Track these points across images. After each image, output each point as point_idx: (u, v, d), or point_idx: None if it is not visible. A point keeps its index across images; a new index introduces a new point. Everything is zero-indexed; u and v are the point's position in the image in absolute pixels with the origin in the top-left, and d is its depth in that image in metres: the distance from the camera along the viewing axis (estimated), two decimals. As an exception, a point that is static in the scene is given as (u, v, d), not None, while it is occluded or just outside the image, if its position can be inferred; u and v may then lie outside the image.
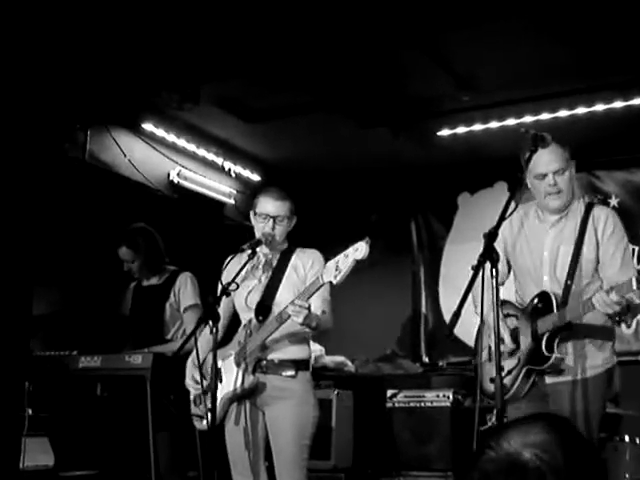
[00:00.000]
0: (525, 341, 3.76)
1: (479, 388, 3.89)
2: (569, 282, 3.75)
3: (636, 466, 4.95)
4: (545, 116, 6.53)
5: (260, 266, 4.20)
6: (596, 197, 7.01)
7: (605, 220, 3.81)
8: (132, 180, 6.64)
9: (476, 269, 3.14)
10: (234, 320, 4.29)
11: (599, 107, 6.41)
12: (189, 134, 7.04)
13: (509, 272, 4.07)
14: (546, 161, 3.71)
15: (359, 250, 3.62)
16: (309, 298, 3.82)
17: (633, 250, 7.13)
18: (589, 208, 3.86)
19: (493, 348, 3.65)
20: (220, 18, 5.06)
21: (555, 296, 3.72)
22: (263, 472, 4.10)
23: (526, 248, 3.93)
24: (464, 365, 7.05)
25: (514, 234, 3.97)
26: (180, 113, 6.46)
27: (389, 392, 6.57)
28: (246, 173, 7.78)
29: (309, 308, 3.79)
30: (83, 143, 6.29)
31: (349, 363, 7.29)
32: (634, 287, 3.39)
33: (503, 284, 4.03)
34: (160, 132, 6.79)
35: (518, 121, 6.60)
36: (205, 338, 4.06)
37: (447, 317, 7.58)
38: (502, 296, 3.89)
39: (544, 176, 3.77)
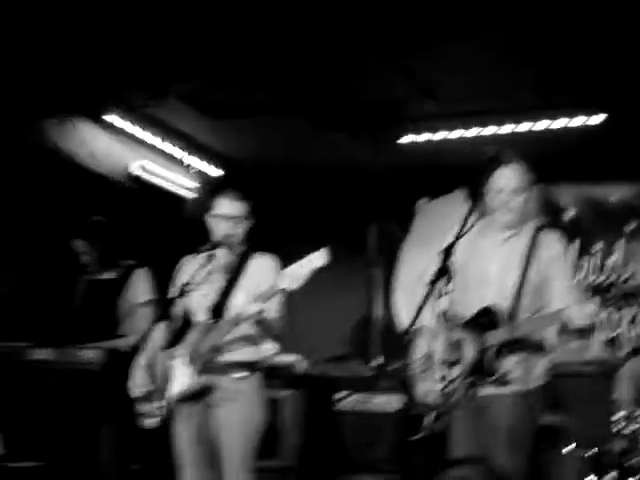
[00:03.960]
0: (469, 353, 3.84)
1: (412, 396, 3.98)
2: (516, 299, 3.85)
3: (574, 475, 5.06)
4: (506, 128, 6.61)
5: (216, 267, 4.24)
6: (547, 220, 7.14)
7: (553, 243, 3.94)
8: (93, 171, 6.60)
9: (431, 284, 3.21)
10: (187, 320, 4.32)
11: (559, 122, 6.51)
12: (153, 127, 7.01)
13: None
14: (505, 177, 3.80)
15: (318, 258, 3.70)
16: (265, 302, 3.87)
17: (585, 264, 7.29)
18: (539, 230, 3.98)
19: (436, 357, 3.76)
20: (190, 17, 5.08)
21: (503, 311, 3.81)
22: (211, 470, 4.14)
23: (472, 260, 4.01)
24: (412, 370, 7.10)
25: (466, 245, 4.04)
26: (145, 106, 6.45)
27: (338, 394, 6.63)
28: (209, 169, 7.77)
29: (262, 312, 3.85)
30: (46, 131, 6.25)
31: (301, 363, 7.33)
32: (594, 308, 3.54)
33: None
34: (124, 124, 6.75)
35: (479, 131, 6.69)
36: (157, 337, 4.09)
37: (400, 321, 7.66)
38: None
39: (500, 191, 3.87)
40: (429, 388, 3.84)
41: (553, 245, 3.94)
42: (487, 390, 3.85)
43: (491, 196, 3.88)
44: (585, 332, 3.77)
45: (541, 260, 3.90)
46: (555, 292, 3.87)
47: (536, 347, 3.91)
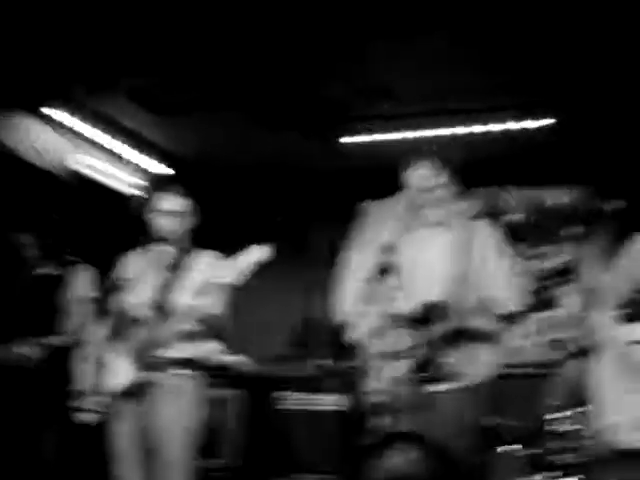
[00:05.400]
0: (414, 349, 3.87)
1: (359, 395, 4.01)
2: (455, 290, 3.89)
3: (511, 473, 5.12)
4: (459, 130, 6.65)
5: (158, 264, 4.20)
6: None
7: (485, 231, 4.02)
8: (34, 165, 6.50)
9: (368, 280, 3.23)
10: (128, 316, 4.28)
11: (512, 125, 6.56)
12: (96, 122, 6.89)
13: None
14: (425, 176, 3.89)
15: (260, 253, 3.69)
16: (205, 297, 3.85)
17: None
18: (468, 220, 4.05)
19: (383, 356, 3.77)
20: (134, 13, 5.03)
21: (441, 304, 3.84)
22: (149, 468, 4.10)
23: (410, 258, 4.05)
24: (356, 369, 7.14)
25: (402, 243, 4.09)
26: (88, 101, 6.38)
27: (281, 394, 6.62)
28: (153, 166, 7.69)
29: (203, 308, 3.83)
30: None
31: (245, 362, 7.30)
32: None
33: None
34: (66, 118, 6.63)
35: (431, 133, 6.72)
36: (97, 332, 4.05)
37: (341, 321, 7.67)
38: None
39: (421, 189, 3.96)
40: (378, 387, 3.86)
41: (484, 232, 4.01)
42: (434, 387, 3.88)
43: (416, 195, 3.95)
44: (511, 318, 3.83)
45: (474, 248, 3.95)
46: (491, 279, 3.93)
47: (478, 338, 3.94)
